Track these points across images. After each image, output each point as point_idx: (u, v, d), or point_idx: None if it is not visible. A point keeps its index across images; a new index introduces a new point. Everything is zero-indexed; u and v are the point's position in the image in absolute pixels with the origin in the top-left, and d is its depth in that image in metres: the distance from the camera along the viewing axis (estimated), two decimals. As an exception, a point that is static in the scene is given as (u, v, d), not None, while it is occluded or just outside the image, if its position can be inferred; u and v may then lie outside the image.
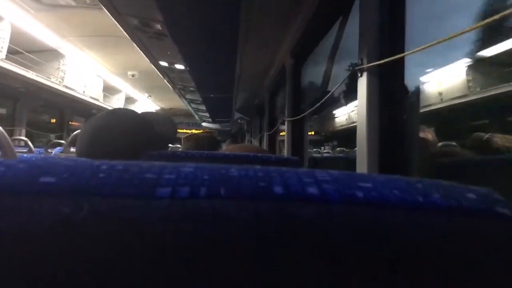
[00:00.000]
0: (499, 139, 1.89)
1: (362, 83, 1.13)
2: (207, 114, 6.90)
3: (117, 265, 0.23)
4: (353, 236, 0.24)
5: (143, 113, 1.34)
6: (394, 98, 1.06)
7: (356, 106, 1.22)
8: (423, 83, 3.60)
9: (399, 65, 1.03)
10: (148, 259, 0.23)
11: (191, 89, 4.16)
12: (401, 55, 0.93)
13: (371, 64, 1.07)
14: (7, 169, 0.24)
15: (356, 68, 1.13)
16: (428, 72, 3.54)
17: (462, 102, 3.33)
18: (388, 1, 1.08)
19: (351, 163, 1.18)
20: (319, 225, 0.23)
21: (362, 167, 1.09)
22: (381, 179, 0.27)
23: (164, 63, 3.11)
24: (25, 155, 0.94)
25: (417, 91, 1.10)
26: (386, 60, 0.98)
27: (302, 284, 0.24)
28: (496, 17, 0.67)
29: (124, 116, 1.10)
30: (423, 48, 0.85)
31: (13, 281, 0.23)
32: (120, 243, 0.23)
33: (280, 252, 0.23)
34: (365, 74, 1.11)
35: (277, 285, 0.24)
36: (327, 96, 1.50)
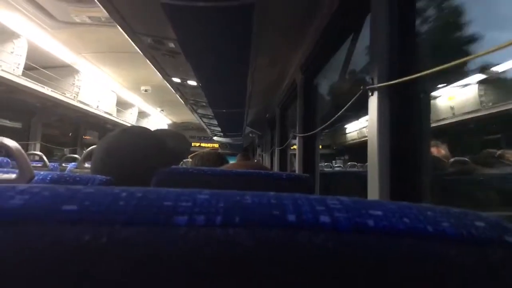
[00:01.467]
0: (511, 155, 1.88)
1: (373, 103, 1.13)
2: (218, 129, 6.92)
3: None
4: (363, 265, 0.24)
5: (156, 130, 1.37)
6: (406, 119, 1.05)
7: (367, 121, 1.21)
8: (435, 97, 3.59)
9: (411, 86, 1.03)
10: (165, 285, 0.24)
11: (203, 104, 4.19)
12: (413, 76, 0.93)
13: (382, 84, 1.07)
14: (32, 197, 0.26)
15: (367, 87, 1.13)
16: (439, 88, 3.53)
17: (474, 117, 3.31)
18: (399, 22, 1.08)
19: (362, 178, 1.16)
20: (331, 253, 0.24)
21: (373, 187, 1.09)
22: (392, 206, 0.27)
23: (176, 79, 3.14)
24: (41, 173, 0.96)
25: (428, 111, 1.10)
26: (397, 81, 0.98)
27: None
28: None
29: (137, 134, 1.12)
30: (435, 70, 0.85)
31: None
32: (139, 270, 0.23)
33: (293, 279, 0.24)
34: (375, 94, 1.11)
35: None
36: (338, 114, 1.50)
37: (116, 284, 0.23)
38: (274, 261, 0.24)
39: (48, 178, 0.94)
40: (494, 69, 3.06)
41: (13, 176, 0.98)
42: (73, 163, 2.78)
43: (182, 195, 0.27)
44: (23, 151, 0.97)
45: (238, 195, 0.28)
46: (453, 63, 0.77)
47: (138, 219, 0.24)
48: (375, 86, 1.10)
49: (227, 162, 2.04)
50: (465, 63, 0.75)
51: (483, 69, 3.14)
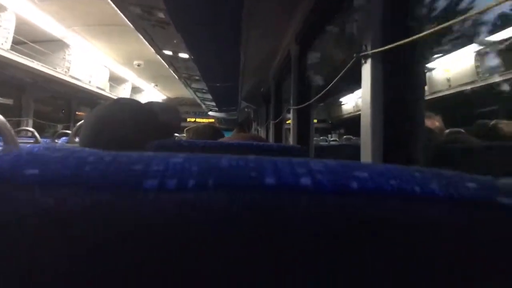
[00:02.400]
0: (505, 125, 1.87)
1: (366, 70, 1.11)
2: (213, 103, 6.90)
3: (101, 259, 0.22)
4: (347, 227, 0.23)
5: (147, 103, 1.34)
6: (399, 86, 1.04)
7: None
8: (431, 69, 3.57)
9: (405, 52, 1.01)
10: (134, 253, 0.22)
11: (196, 78, 4.15)
12: (406, 40, 0.90)
13: (375, 50, 1.04)
14: None
15: (360, 55, 1.11)
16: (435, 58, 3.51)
17: (471, 89, 3.30)
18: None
19: (358, 151, 1.16)
20: (312, 216, 0.23)
21: (366, 156, 1.08)
22: (378, 168, 0.26)
23: (168, 52, 3.10)
24: (27, 145, 0.94)
25: (423, 78, 1.08)
26: (390, 46, 0.96)
27: (294, 275, 0.23)
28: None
29: (127, 106, 1.10)
30: (428, 33, 0.83)
31: None
32: (104, 236, 0.22)
33: (272, 243, 0.23)
34: (369, 61, 1.09)
35: (269, 276, 0.23)
36: (331, 84, 1.48)
37: (81, 252, 0.22)
38: (252, 226, 0.23)
39: (35, 151, 0.92)
40: (491, 38, 3.03)
41: (-2, 149, 0.96)
42: (64, 138, 2.75)
43: (155, 158, 0.25)
44: (8, 124, 0.95)
45: (215, 158, 0.26)
46: (448, 23, 0.75)
47: (104, 184, 0.23)
48: (368, 52, 1.08)
49: (222, 136, 2.00)
50: (461, 30, 0.73)
51: (479, 38, 3.11)
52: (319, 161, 0.27)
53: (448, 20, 0.76)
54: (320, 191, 0.23)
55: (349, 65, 1.20)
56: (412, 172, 0.26)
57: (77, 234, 0.22)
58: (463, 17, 0.68)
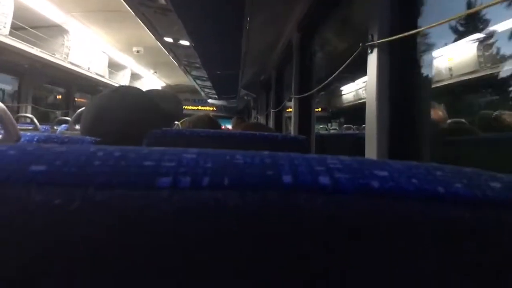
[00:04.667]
0: (508, 116, 1.86)
1: (372, 60, 1.09)
2: (213, 91, 6.87)
3: (112, 260, 0.21)
4: (368, 229, 0.22)
5: (148, 91, 1.33)
6: (405, 76, 1.02)
7: (364, 82, 1.18)
8: (434, 58, 3.54)
9: (412, 41, 0.99)
10: (146, 253, 0.21)
11: (197, 65, 4.13)
12: (414, 31, 0.89)
13: (382, 40, 1.03)
14: None
15: (366, 44, 1.09)
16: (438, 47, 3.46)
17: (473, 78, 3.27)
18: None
19: (358, 140, 1.15)
20: (331, 217, 0.22)
21: (371, 147, 1.07)
22: (398, 166, 0.25)
23: (169, 39, 3.07)
24: (27, 134, 0.93)
25: (430, 68, 1.07)
26: (398, 36, 0.94)
27: (310, 277, 0.22)
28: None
29: (128, 94, 1.09)
30: (438, 24, 0.81)
31: (1, 273, 0.22)
32: (116, 237, 0.21)
33: (288, 244, 0.22)
34: (375, 51, 1.07)
35: (283, 278, 0.22)
36: (335, 74, 1.46)
37: (90, 252, 0.21)
38: (268, 226, 0.22)
39: (35, 140, 0.91)
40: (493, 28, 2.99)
41: (-2, 137, 0.95)
42: (64, 125, 2.73)
43: (166, 154, 0.24)
44: (8, 112, 0.94)
45: (229, 155, 0.25)
46: (458, 15, 0.73)
47: (115, 181, 0.22)
48: (374, 42, 1.06)
49: (219, 127, 1.92)
50: (467, 20, 0.71)
51: (482, 28, 3.07)
52: (336, 158, 0.26)
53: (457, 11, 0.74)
54: (340, 191, 0.22)
55: (354, 54, 1.18)
56: (432, 170, 0.25)
57: (86, 234, 0.21)
58: (474, 9, 0.67)
